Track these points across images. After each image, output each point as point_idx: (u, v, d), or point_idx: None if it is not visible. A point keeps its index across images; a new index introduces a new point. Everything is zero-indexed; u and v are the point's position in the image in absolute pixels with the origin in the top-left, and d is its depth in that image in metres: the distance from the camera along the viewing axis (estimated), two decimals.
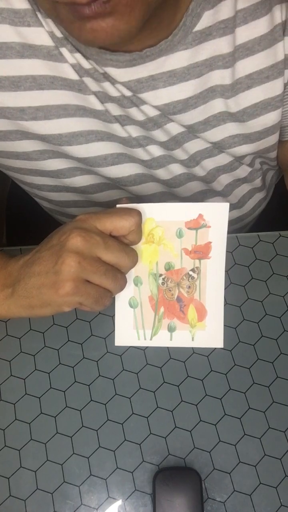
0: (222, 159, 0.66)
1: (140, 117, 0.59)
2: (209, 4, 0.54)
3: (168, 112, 0.58)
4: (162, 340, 0.59)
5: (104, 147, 0.60)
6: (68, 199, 0.70)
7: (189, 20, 0.53)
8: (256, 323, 0.63)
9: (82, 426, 0.58)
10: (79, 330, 0.63)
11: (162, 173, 0.65)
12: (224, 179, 0.70)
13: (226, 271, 0.65)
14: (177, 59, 0.55)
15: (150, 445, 0.57)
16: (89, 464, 0.56)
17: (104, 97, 0.57)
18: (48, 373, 0.61)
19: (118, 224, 0.49)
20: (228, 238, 0.56)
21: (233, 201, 0.74)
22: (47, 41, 0.52)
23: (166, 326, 0.59)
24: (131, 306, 0.58)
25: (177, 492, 0.53)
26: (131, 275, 0.57)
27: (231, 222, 0.66)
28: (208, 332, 0.59)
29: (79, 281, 0.48)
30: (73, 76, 0.54)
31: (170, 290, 0.58)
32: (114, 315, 0.59)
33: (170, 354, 0.62)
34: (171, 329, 0.59)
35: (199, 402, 0.59)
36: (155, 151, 0.62)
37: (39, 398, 0.60)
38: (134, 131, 0.60)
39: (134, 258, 0.51)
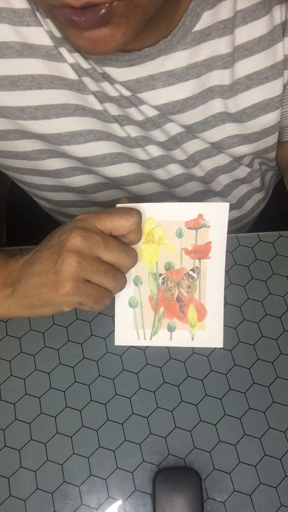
0: (221, 159, 0.66)
1: (139, 117, 0.59)
2: (208, 5, 0.54)
3: (167, 112, 0.58)
4: (162, 340, 0.59)
5: (103, 147, 0.60)
6: (67, 199, 0.70)
7: (189, 20, 0.53)
8: (256, 323, 0.63)
9: (82, 426, 0.58)
10: (79, 330, 0.63)
11: (161, 173, 0.65)
12: (223, 180, 0.70)
13: (226, 271, 0.65)
14: (176, 59, 0.55)
15: (150, 445, 0.57)
16: (89, 464, 0.56)
17: (103, 97, 0.57)
18: (48, 373, 0.61)
19: (118, 224, 0.49)
20: (228, 238, 0.56)
21: (232, 201, 0.74)
22: (46, 41, 0.52)
23: (166, 326, 0.59)
24: (131, 305, 0.58)
25: (177, 492, 0.53)
26: (131, 274, 0.57)
27: (230, 223, 0.66)
28: (208, 332, 0.59)
29: (79, 280, 0.48)
30: (72, 75, 0.54)
31: (170, 290, 0.58)
32: (114, 315, 0.59)
33: (170, 354, 0.62)
34: (171, 329, 0.59)
35: (199, 402, 0.59)
36: (154, 151, 0.62)
37: (39, 398, 0.60)
38: (133, 131, 0.60)
39: (134, 257, 0.51)
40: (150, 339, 0.59)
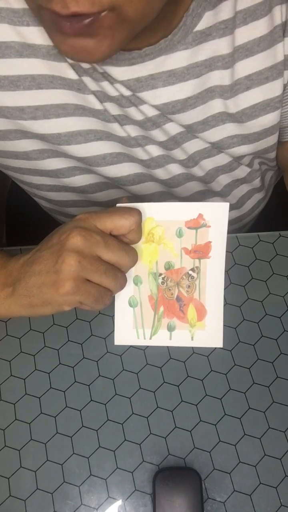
0: (221, 159, 0.66)
1: (138, 116, 0.59)
2: (210, 5, 0.54)
3: (167, 111, 0.58)
4: (162, 339, 0.59)
5: (103, 147, 0.60)
6: (67, 199, 0.70)
7: (190, 20, 0.53)
8: (256, 323, 0.63)
9: (82, 426, 0.58)
10: (79, 330, 0.63)
11: (161, 173, 0.65)
12: (223, 180, 0.70)
13: (226, 271, 0.65)
14: (177, 59, 0.55)
15: (150, 445, 0.57)
16: (89, 464, 0.56)
17: (103, 97, 0.57)
18: (48, 373, 0.61)
19: (118, 223, 0.49)
20: (228, 238, 0.56)
21: (232, 201, 0.74)
22: (46, 41, 0.52)
23: (166, 325, 0.59)
24: (130, 305, 0.58)
25: (177, 492, 0.53)
26: (131, 274, 0.57)
27: (230, 222, 0.66)
28: (207, 331, 0.59)
29: (80, 280, 0.48)
30: (72, 75, 0.54)
31: (169, 290, 0.58)
32: (114, 315, 0.59)
33: (170, 354, 0.61)
34: (170, 328, 0.59)
35: (199, 402, 0.59)
36: (154, 151, 0.62)
37: (39, 398, 0.59)
38: (133, 131, 0.60)
39: (134, 257, 0.52)
40: (150, 338, 0.59)
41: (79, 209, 0.72)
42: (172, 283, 0.58)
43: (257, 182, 0.74)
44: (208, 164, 0.66)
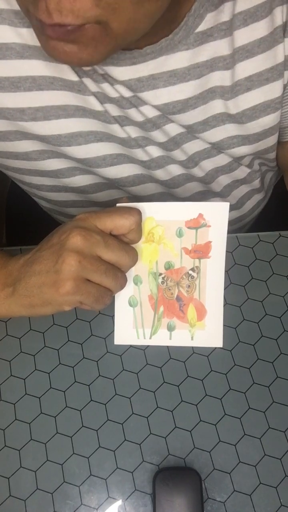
0: (220, 160, 0.66)
1: (139, 118, 0.59)
2: (212, 6, 0.54)
3: (167, 112, 0.58)
4: (162, 339, 0.59)
5: (103, 148, 0.60)
6: (67, 199, 0.70)
7: (191, 20, 0.53)
8: (256, 323, 0.63)
9: (82, 426, 0.58)
10: (79, 330, 0.63)
11: (161, 174, 0.65)
12: (223, 180, 0.70)
13: (226, 271, 0.65)
14: (178, 59, 0.55)
15: (150, 445, 0.57)
16: (89, 464, 0.56)
17: (103, 98, 0.57)
18: (48, 373, 0.61)
19: (118, 223, 0.49)
20: (228, 238, 0.56)
21: (232, 202, 0.74)
22: None
23: (166, 325, 0.59)
24: (130, 305, 0.58)
25: (177, 492, 0.53)
26: (131, 274, 0.57)
27: (230, 223, 0.66)
28: (207, 331, 0.59)
29: (80, 280, 0.48)
30: (73, 77, 0.55)
31: (169, 289, 0.58)
32: (114, 314, 0.59)
33: (170, 354, 0.62)
34: (170, 328, 0.59)
35: (199, 402, 0.59)
36: (154, 151, 0.63)
37: (39, 398, 0.59)
38: (133, 132, 0.60)
39: (134, 257, 0.52)
40: (150, 338, 0.59)
41: (79, 209, 0.72)
42: (172, 283, 0.58)
43: (257, 183, 0.74)
44: (208, 164, 0.66)
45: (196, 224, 0.56)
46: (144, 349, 0.62)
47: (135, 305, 0.58)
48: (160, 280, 0.58)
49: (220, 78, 0.57)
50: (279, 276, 0.66)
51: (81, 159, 0.61)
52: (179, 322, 0.59)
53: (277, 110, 0.61)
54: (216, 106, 0.59)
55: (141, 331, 0.59)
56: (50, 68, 0.54)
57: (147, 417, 0.58)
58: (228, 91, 0.58)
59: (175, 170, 0.66)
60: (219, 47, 0.56)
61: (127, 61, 0.54)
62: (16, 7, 0.51)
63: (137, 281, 0.57)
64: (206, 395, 0.60)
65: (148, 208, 0.54)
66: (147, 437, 0.58)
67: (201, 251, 0.57)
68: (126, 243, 0.51)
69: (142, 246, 0.56)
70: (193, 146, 0.63)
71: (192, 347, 0.61)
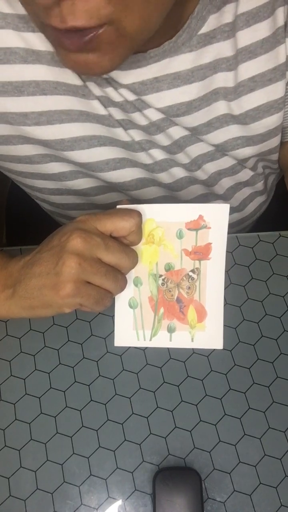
0: (223, 162, 0.66)
1: (143, 121, 0.58)
2: (214, 8, 0.54)
3: (171, 114, 0.58)
4: (162, 341, 0.59)
5: (106, 152, 0.60)
6: (69, 202, 0.70)
7: (194, 22, 0.53)
8: (256, 323, 0.63)
9: (82, 426, 0.58)
10: (79, 330, 0.63)
11: (164, 177, 0.65)
12: (226, 183, 0.70)
13: (226, 271, 0.65)
14: (182, 62, 0.55)
15: (150, 445, 0.57)
16: (89, 464, 0.57)
17: (107, 102, 0.56)
18: (48, 373, 0.61)
19: (119, 225, 0.49)
20: (228, 238, 0.56)
21: (234, 204, 0.74)
22: (51, 47, 0.52)
23: (166, 327, 0.59)
24: (131, 306, 0.58)
25: (177, 492, 0.53)
26: (131, 275, 0.57)
27: (231, 225, 0.66)
28: (207, 333, 0.59)
29: (80, 282, 0.48)
30: (77, 81, 0.54)
31: (170, 291, 0.58)
32: (114, 315, 0.59)
33: (170, 354, 0.62)
34: (170, 330, 0.59)
35: (199, 402, 0.59)
36: (158, 155, 0.62)
37: (39, 398, 0.60)
38: (137, 135, 0.60)
39: (134, 258, 0.51)
40: (150, 340, 0.59)
41: (81, 212, 0.71)
42: (172, 285, 0.58)
43: (260, 185, 0.73)
44: (211, 167, 0.66)
45: (196, 225, 0.55)
46: (144, 349, 0.62)
47: (135, 307, 0.58)
48: (160, 281, 0.58)
49: (223, 80, 0.57)
50: (279, 276, 0.66)
51: (84, 164, 0.61)
52: (179, 324, 0.59)
53: (280, 111, 0.61)
54: (220, 108, 0.59)
55: (141, 333, 0.59)
56: (53, 72, 0.53)
57: (147, 417, 0.59)
58: (232, 92, 0.58)
59: (178, 173, 0.65)
60: (222, 49, 0.55)
61: (130, 65, 0.54)
62: (21, 11, 0.50)
63: (137, 282, 0.57)
64: (206, 395, 0.60)
65: (148, 210, 0.54)
66: (147, 437, 0.58)
67: (201, 253, 0.57)
68: (126, 245, 0.51)
69: (142, 248, 0.56)
70: (197, 149, 0.63)
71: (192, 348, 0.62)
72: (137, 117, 0.58)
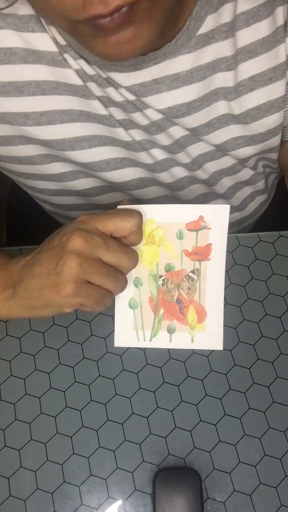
0: (224, 162, 0.66)
1: (143, 121, 0.58)
2: (212, 8, 0.54)
3: (171, 115, 0.58)
4: (162, 341, 0.59)
5: (107, 152, 0.60)
6: (71, 203, 0.70)
7: (193, 23, 0.53)
8: (256, 323, 0.64)
9: (82, 426, 0.58)
10: (79, 330, 0.63)
11: (165, 177, 0.65)
12: (226, 182, 0.70)
13: (226, 271, 0.65)
14: (181, 63, 0.55)
15: (150, 445, 0.57)
16: (89, 464, 0.57)
17: (108, 102, 0.56)
18: (48, 373, 0.61)
19: (119, 225, 0.49)
20: (228, 238, 0.56)
21: (235, 203, 0.74)
22: (51, 47, 0.52)
23: (166, 327, 0.59)
24: (131, 307, 0.58)
25: (177, 492, 0.53)
26: (131, 276, 0.57)
27: (231, 224, 0.66)
28: (207, 334, 0.59)
29: (80, 282, 0.48)
30: (77, 81, 0.54)
31: (170, 292, 0.58)
32: (114, 315, 0.59)
33: (170, 354, 0.62)
34: (170, 330, 0.59)
35: (199, 402, 0.59)
36: (159, 154, 0.62)
37: (39, 398, 0.60)
38: (137, 135, 0.60)
39: (134, 259, 0.51)
40: (150, 340, 0.59)
41: (82, 212, 0.71)
42: (172, 285, 0.58)
43: (261, 184, 0.73)
44: (212, 166, 0.66)
45: (197, 226, 0.55)
46: (144, 349, 0.62)
47: (135, 307, 0.58)
48: (160, 282, 0.58)
49: (223, 79, 0.57)
50: (279, 276, 0.66)
51: (85, 163, 0.61)
52: (179, 325, 0.59)
53: (280, 110, 0.61)
54: (220, 108, 0.59)
55: (141, 333, 0.59)
56: (54, 72, 0.53)
57: (147, 417, 0.59)
58: (231, 92, 0.58)
59: (179, 172, 0.65)
60: (221, 49, 0.55)
61: (130, 68, 0.54)
62: (21, 12, 0.50)
63: (137, 283, 0.57)
64: (206, 395, 0.60)
65: (148, 210, 0.54)
66: (147, 437, 0.58)
67: (201, 253, 0.57)
68: (127, 245, 0.51)
69: (142, 248, 0.56)
70: (197, 149, 0.63)
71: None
72: (137, 117, 0.58)
